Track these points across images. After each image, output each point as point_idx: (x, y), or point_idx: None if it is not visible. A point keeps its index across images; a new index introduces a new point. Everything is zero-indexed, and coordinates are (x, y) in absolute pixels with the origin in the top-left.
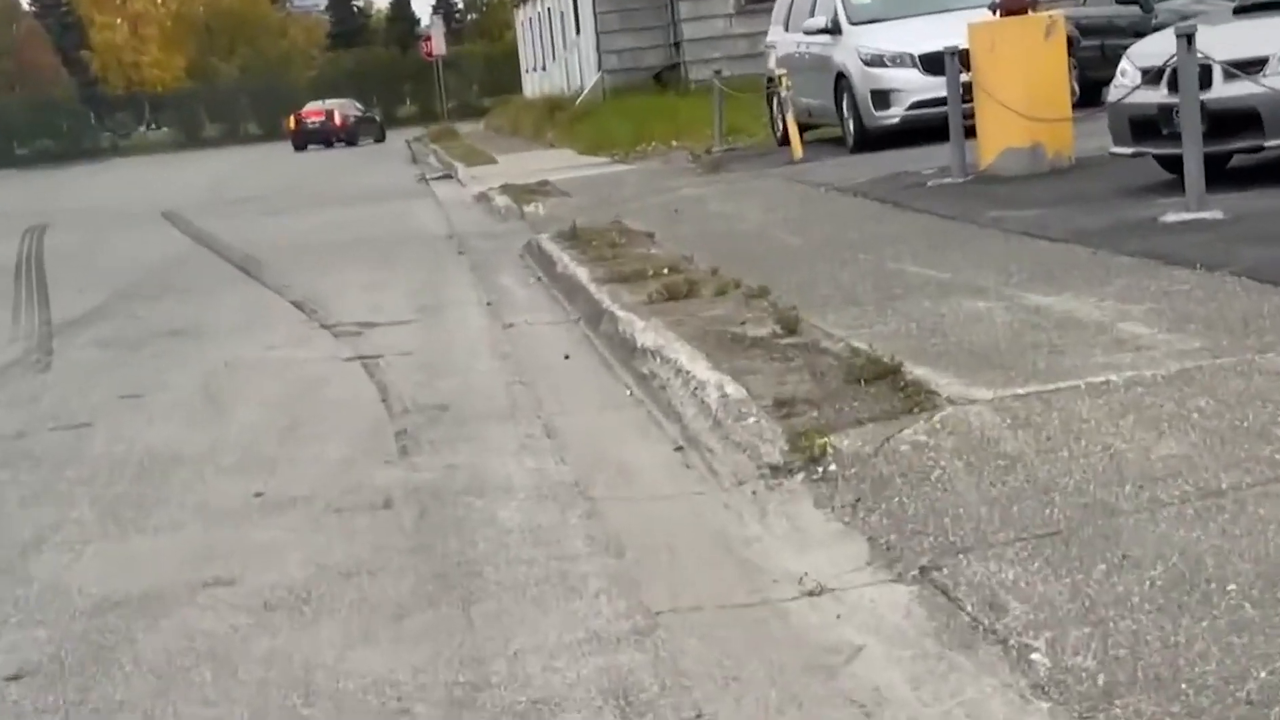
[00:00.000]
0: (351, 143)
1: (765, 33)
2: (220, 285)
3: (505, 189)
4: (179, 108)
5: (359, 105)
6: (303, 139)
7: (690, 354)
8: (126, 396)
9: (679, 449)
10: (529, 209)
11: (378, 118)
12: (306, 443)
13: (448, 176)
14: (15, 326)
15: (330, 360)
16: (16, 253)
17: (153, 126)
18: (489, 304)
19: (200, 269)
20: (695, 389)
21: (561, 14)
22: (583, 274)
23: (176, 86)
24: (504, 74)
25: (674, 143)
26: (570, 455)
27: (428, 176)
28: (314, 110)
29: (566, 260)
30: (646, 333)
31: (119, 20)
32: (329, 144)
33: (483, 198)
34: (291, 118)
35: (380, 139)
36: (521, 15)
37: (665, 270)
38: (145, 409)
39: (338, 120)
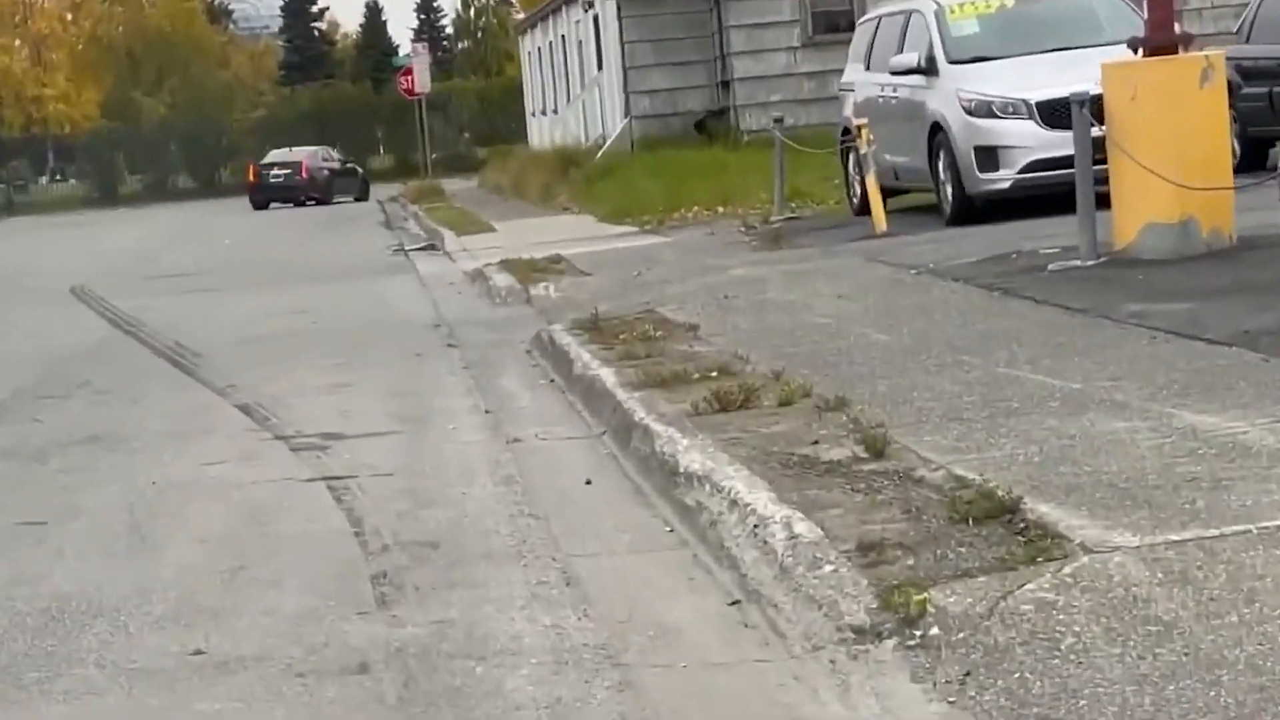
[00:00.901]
0: (324, 200)
1: (839, 72)
2: (147, 382)
3: (506, 265)
4: (92, 154)
5: (335, 154)
6: (263, 195)
7: (748, 481)
8: (28, 524)
9: (734, 603)
10: (538, 291)
11: (360, 170)
12: (258, 588)
13: (432, 247)
14: None
15: (287, 482)
16: None
17: (58, 177)
18: (488, 412)
19: (121, 361)
20: (755, 527)
21: (579, 43)
22: (608, 376)
23: (89, 127)
24: (504, 118)
25: (721, 209)
26: (595, 609)
27: (406, 247)
28: (279, 160)
29: (587, 358)
30: (691, 453)
31: (16, 43)
32: (298, 202)
33: (478, 276)
34: (250, 168)
35: (362, 196)
36: (528, 44)
37: (714, 372)
38: (52, 540)
39: (306, 172)
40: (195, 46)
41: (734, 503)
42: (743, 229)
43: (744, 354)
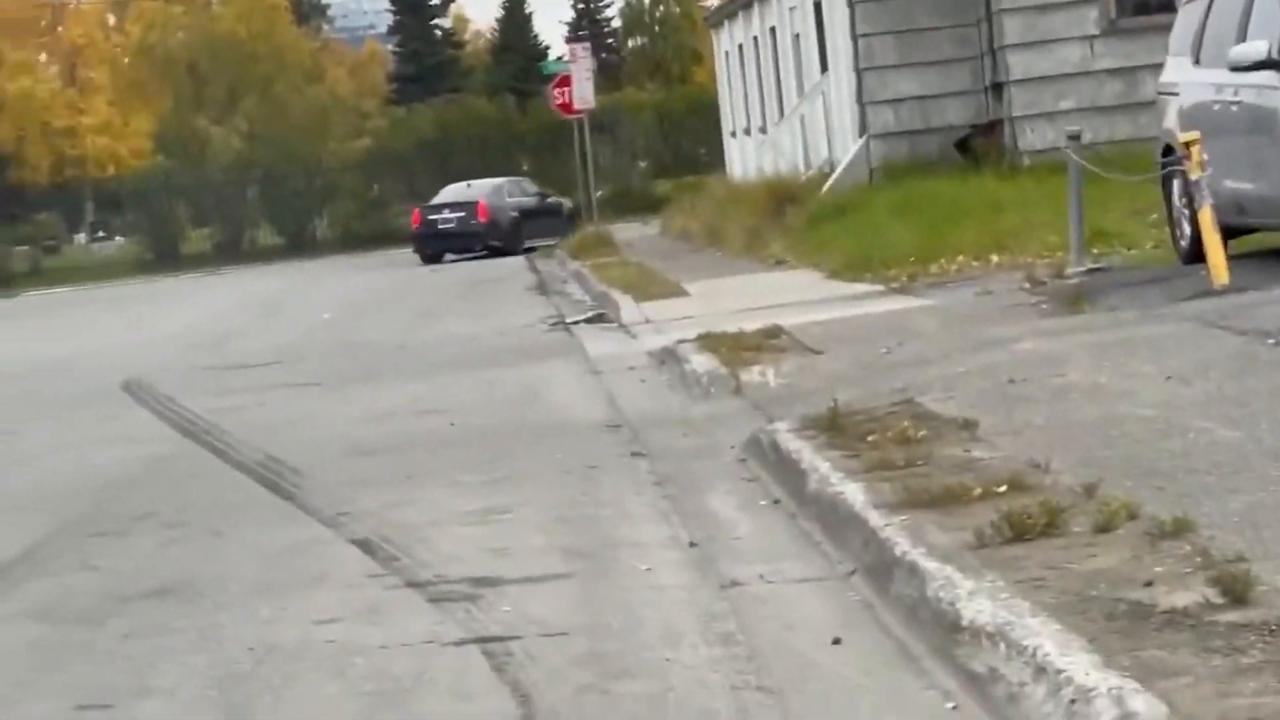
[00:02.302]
0: (509, 249)
1: (1156, 68)
2: (231, 512)
3: (706, 342)
4: (144, 203)
5: (530, 186)
6: (433, 246)
7: (1059, 639)
8: (87, 708)
9: None
10: (750, 377)
11: (566, 205)
12: None
13: (603, 318)
14: None
15: (428, 646)
16: None
17: (100, 235)
18: (693, 545)
19: (196, 484)
20: (1073, 702)
21: (796, 38)
22: (856, 494)
23: (139, 167)
24: (691, 140)
25: (995, 258)
26: None
27: (569, 319)
28: (451, 200)
29: (825, 469)
30: (978, 599)
31: (43, 57)
32: (475, 252)
33: (667, 357)
34: (414, 213)
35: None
36: (724, 41)
37: (1002, 487)
38: None
39: (484, 214)
40: (279, 57)
41: (1042, 669)
42: (1027, 286)
43: (1041, 460)
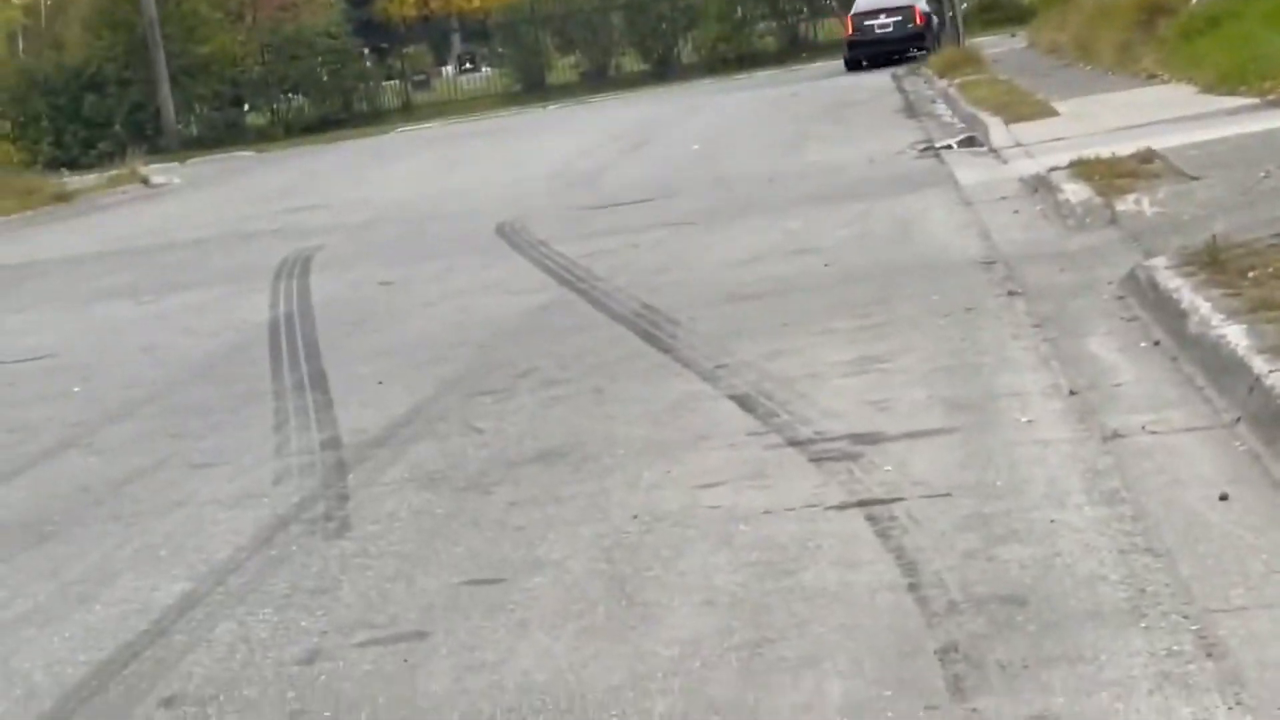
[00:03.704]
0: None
1: None
2: (610, 366)
3: (1079, 168)
4: (511, 35)
5: None
6: (869, 51)
7: None
8: (477, 583)
9: None
10: (1126, 206)
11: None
12: (788, 671)
13: (973, 141)
14: (281, 451)
15: (810, 511)
16: (269, 306)
17: (467, 66)
18: (1073, 394)
19: (574, 335)
20: None
21: None
22: (1238, 336)
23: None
24: None
25: None
26: (1254, 695)
27: (938, 143)
28: (885, 4)
29: (1205, 309)
30: None
31: None
32: (906, 55)
33: (1040, 184)
34: (848, 20)
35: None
36: None
37: None
38: (511, 606)
39: (920, 19)
40: None
41: None
42: None
43: None
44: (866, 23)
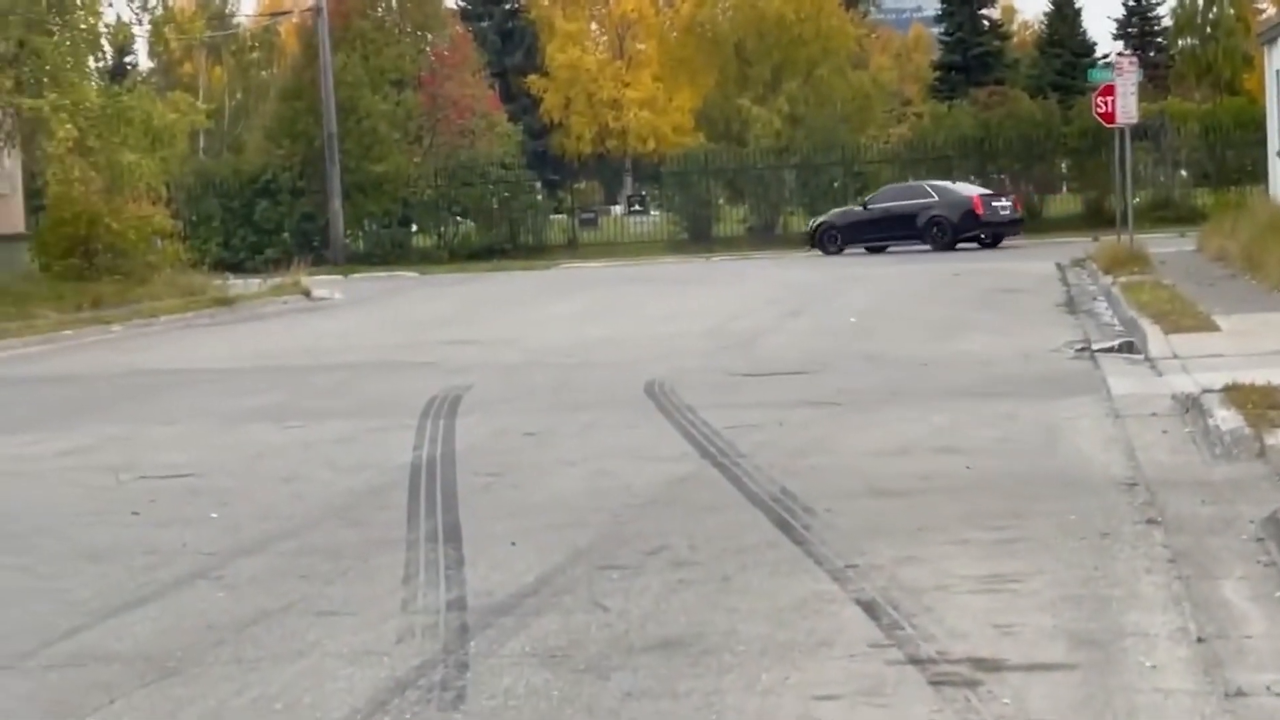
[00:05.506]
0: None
1: None
2: (741, 553)
3: (1232, 392)
4: (682, 182)
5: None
6: (990, 231)
7: None
8: None
9: None
10: (1274, 440)
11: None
12: None
13: (1130, 348)
14: (408, 607)
15: None
16: (413, 447)
17: (635, 209)
18: (1200, 641)
19: (711, 515)
20: None
21: None
22: None
23: (679, 144)
24: (1235, 153)
25: None
26: None
27: (1093, 346)
28: (994, 190)
29: None
30: None
31: (594, 28)
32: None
33: (1190, 404)
34: (976, 200)
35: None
36: (1274, 58)
37: None
38: None
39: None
40: (824, 41)
41: None
42: None
43: None
44: (994, 203)
